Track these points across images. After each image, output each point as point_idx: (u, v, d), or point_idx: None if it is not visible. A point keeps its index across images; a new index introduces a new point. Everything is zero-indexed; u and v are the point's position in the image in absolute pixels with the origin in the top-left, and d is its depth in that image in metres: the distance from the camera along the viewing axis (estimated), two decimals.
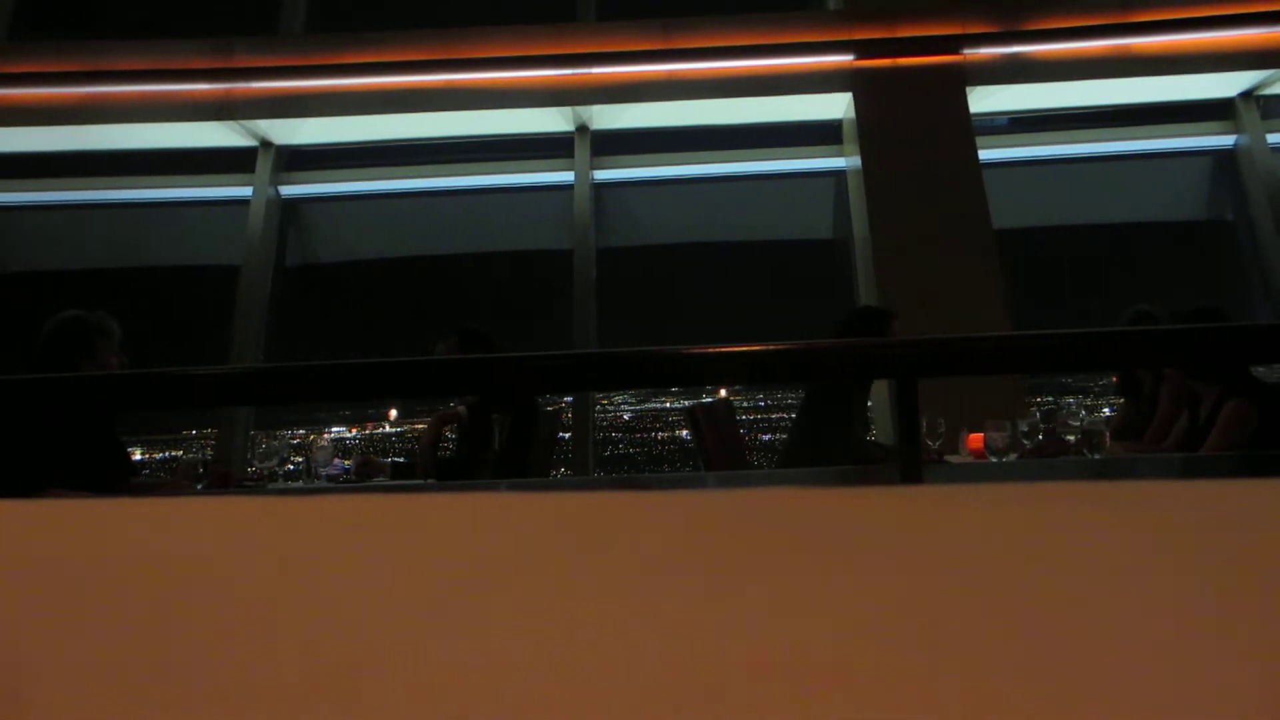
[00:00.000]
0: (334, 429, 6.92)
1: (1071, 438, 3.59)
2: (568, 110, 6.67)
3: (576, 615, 0.31)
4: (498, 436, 3.76)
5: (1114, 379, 4.61)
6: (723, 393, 5.62)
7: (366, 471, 3.82)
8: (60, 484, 2.78)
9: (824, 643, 0.28)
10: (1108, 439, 3.27)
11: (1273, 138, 6.67)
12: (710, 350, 1.69)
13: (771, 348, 1.72)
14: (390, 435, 6.93)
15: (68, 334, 3.07)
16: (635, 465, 6.69)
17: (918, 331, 4.33)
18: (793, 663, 0.27)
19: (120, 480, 3.16)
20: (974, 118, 6.40)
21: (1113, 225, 7.14)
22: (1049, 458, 3.41)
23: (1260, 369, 3.50)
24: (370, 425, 6.92)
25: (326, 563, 0.38)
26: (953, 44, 6.39)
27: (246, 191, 6.90)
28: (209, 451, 6.34)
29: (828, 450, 3.52)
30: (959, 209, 6.06)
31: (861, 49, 6.41)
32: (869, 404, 4.10)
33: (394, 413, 6.79)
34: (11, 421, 2.76)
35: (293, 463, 4.32)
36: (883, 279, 5.96)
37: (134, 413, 6.08)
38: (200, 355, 6.87)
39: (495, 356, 3.16)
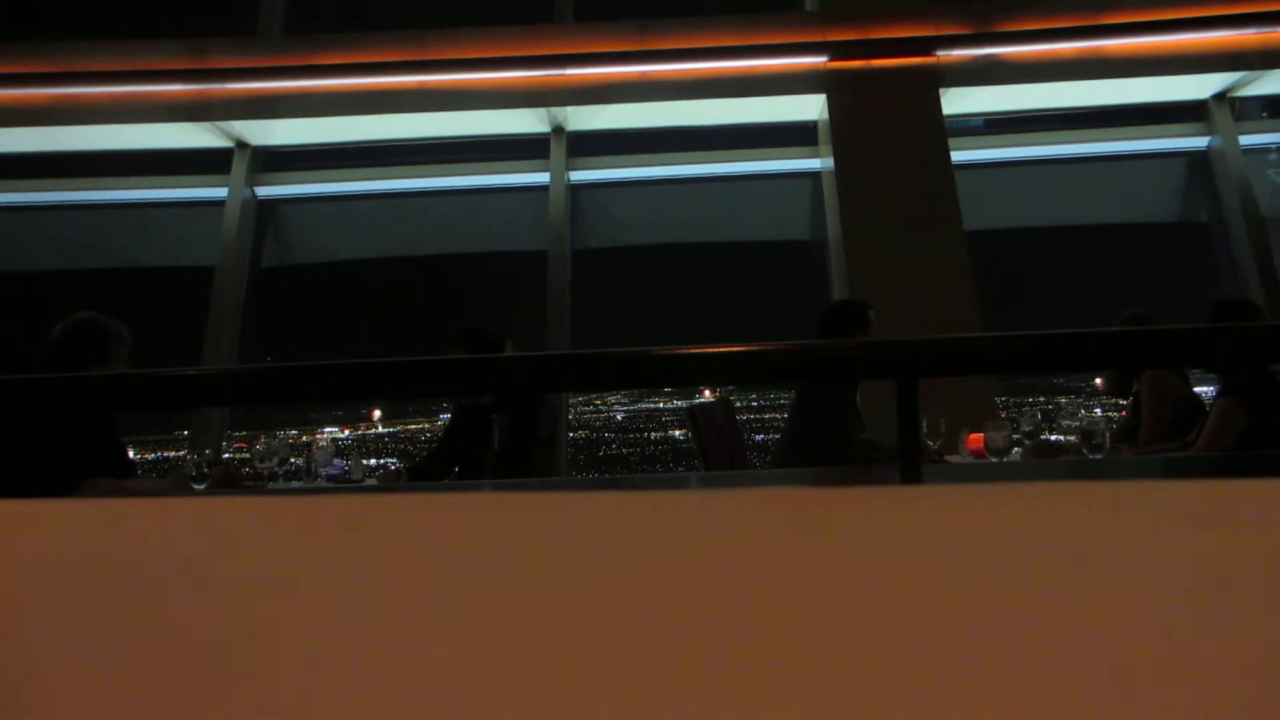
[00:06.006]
0: (327, 429, 6.86)
1: (1058, 437, 3.58)
2: (543, 111, 6.66)
3: (576, 613, 0.31)
4: (498, 436, 3.74)
5: (1100, 383, 4.60)
6: (707, 393, 5.62)
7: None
8: (70, 482, 2.75)
9: (824, 641, 0.28)
10: (1108, 439, 3.25)
11: (1245, 139, 6.74)
12: (709, 350, 1.68)
13: (770, 348, 1.72)
14: (383, 435, 6.87)
15: (83, 335, 3.04)
16: (628, 466, 6.69)
17: (890, 332, 4.33)
18: (793, 661, 0.27)
19: (119, 480, 3.13)
20: (947, 119, 6.44)
21: (1086, 227, 7.20)
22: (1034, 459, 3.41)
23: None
24: (363, 425, 6.87)
25: (326, 562, 0.39)
26: (926, 46, 6.43)
27: (222, 192, 6.86)
28: (200, 454, 6.26)
29: (822, 448, 3.52)
30: (932, 210, 6.08)
31: (836, 51, 6.44)
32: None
33: (377, 413, 6.74)
34: (19, 420, 2.74)
35: (289, 463, 4.27)
36: (856, 280, 5.97)
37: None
38: (174, 356, 6.80)
39: (488, 357, 3.15)
